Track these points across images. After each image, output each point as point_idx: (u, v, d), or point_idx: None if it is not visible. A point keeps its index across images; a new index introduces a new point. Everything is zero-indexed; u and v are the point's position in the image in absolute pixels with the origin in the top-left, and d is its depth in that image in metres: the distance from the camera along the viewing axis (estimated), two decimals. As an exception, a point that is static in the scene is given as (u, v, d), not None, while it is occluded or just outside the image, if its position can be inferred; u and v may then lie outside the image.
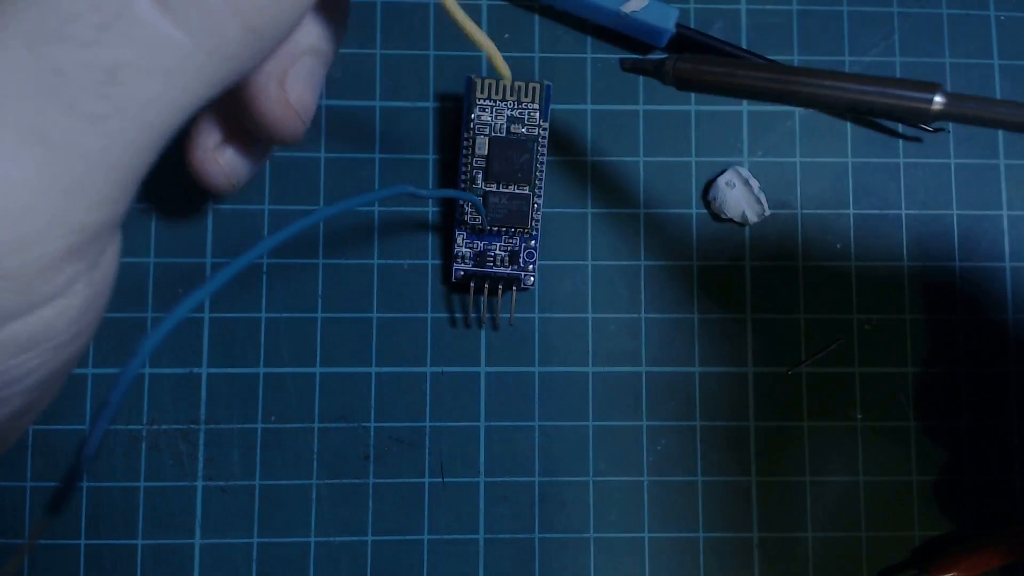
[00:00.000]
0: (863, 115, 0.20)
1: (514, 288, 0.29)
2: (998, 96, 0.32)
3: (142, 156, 0.12)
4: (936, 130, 0.30)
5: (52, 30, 0.11)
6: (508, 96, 0.29)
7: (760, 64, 0.22)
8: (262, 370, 0.30)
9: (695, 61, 0.22)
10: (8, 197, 0.11)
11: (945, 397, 0.30)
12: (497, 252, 0.29)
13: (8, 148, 0.11)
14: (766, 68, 0.21)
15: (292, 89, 0.19)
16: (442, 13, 0.31)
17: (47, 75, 0.11)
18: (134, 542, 0.29)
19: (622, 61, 0.26)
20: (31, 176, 0.11)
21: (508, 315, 0.30)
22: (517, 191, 0.29)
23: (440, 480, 0.30)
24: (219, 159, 0.21)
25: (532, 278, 0.30)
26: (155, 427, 0.29)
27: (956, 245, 0.31)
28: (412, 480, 0.30)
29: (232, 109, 0.15)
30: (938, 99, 0.19)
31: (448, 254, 0.30)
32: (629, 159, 0.31)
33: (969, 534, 0.30)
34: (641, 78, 0.31)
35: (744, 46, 0.31)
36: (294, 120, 0.19)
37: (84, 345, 0.14)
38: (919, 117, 0.19)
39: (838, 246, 0.31)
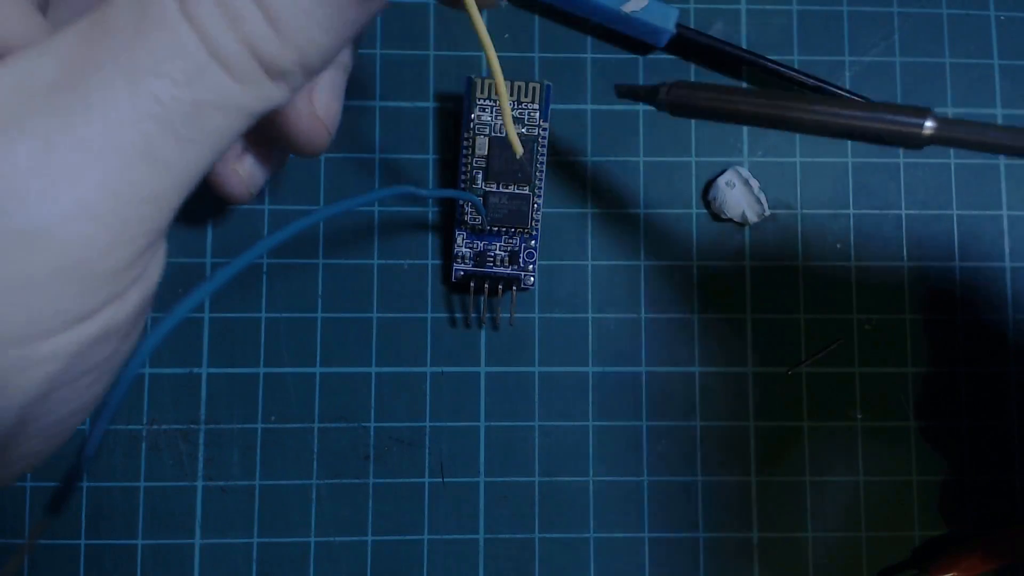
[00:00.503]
0: (856, 140, 0.20)
1: (514, 288, 0.29)
2: (998, 96, 0.32)
3: (202, 171, 0.14)
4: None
5: (148, 68, 0.12)
6: (508, 96, 0.29)
7: (754, 90, 0.22)
8: (262, 370, 0.30)
9: (689, 87, 0.23)
10: (115, 211, 0.13)
11: (945, 397, 0.30)
12: (497, 252, 0.29)
13: (115, 165, 0.12)
14: (760, 94, 0.21)
15: (320, 102, 0.19)
16: (442, 11, 0.31)
17: (147, 102, 0.12)
18: (134, 542, 0.29)
19: (617, 86, 0.26)
20: (133, 188, 0.13)
21: (508, 315, 0.30)
22: (517, 191, 0.29)
23: (440, 480, 0.30)
24: (239, 169, 0.21)
25: (532, 278, 0.30)
26: (155, 427, 0.29)
27: (956, 245, 0.31)
28: (412, 480, 0.30)
29: (258, 122, 0.16)
30: (929, 124, 0.19)
31: (448, 254, 0.30)
32: (629, 159, 0.31)
33: (969, 534, 0.30)
34: (641, 76, 0.31)
35: (744, 46, 0.31)
36: (322, 132, 0.19)
37: (135, 343, 0.15)
38: (911, 142, 0.20)
39: (838, 246, 0.31)
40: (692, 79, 0.31)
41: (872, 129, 0.20)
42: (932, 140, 0.19)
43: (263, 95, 0.14)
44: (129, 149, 0.12)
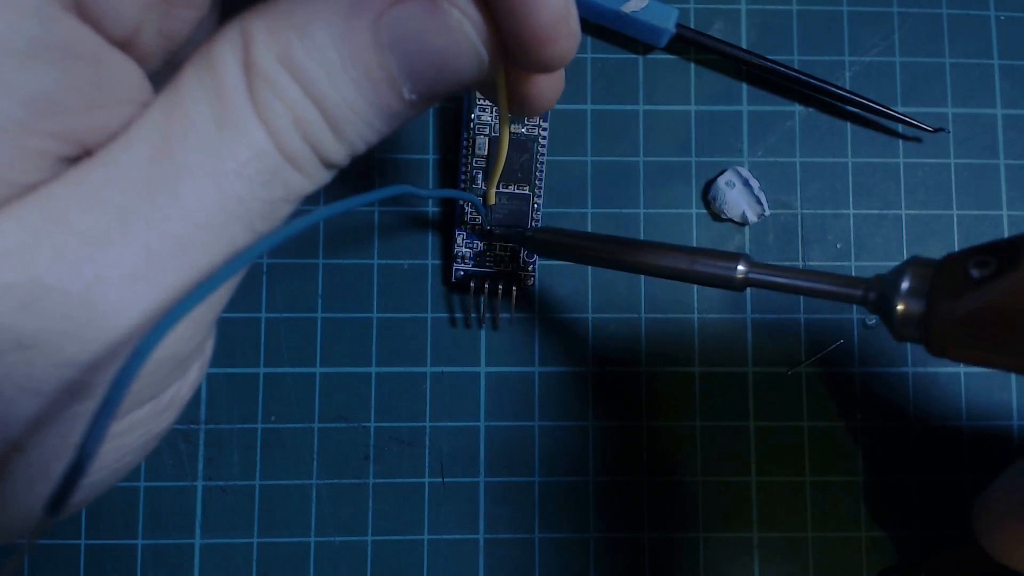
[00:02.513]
0: (683, 281, 0.23)
1: (514, 288, 0.29)
2: (998, 96, 0.32)
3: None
4: (936, 130, 0.30)
5: (233, 170, 0.13)
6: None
7: (599, 236, 0.25)
8: (262, 370, 0.30)
9: (548, 232, 0.26)
10: (201, 308, 0.14)
11: (945, 397, 0.30)
12: (497, 252, 0.29)
13: (204, 264, 0.13)
14: (604, 240, 0.24)
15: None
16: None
17: (232, 202, 0.13)
18: (134, 542, 0.29)
19: (489, 230, 0.29)
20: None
21: (508, 315, 0.30)
22: (517, 191, 0.29)
23: (440, 480, 0.30)
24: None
25: (532, 278, 0.29)
26: (155, 427, 0.29)
27: (956, 245, 0.31)
28: (412, 480, 0.30)
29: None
30: (741, 267, 0.21)
31: (448, 254, 0.30)
32: (629, 159, 0.31)
33: (969, 534, 0.30)
34: (641, 76, 0.31)
35: (744, 46, 0.31)
36: (572, 30, 0.15)
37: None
38: (730, 284, 0.22)
39: (838, 246, 0.31)
40: (692, 79, 0.31)
41: (692, 272, 0.22)
42: (747, 283, 0.21)
43: (319, 181, 0.15)
44: (216, 249, 0.13)
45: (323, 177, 0.15)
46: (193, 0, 0.14)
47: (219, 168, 0.13)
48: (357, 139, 0.14)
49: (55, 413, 0.13)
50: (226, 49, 0.13)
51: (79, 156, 0.13)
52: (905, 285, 0.19)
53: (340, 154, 0.14)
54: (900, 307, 0.19)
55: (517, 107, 0.19)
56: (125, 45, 0.13)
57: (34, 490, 0.14)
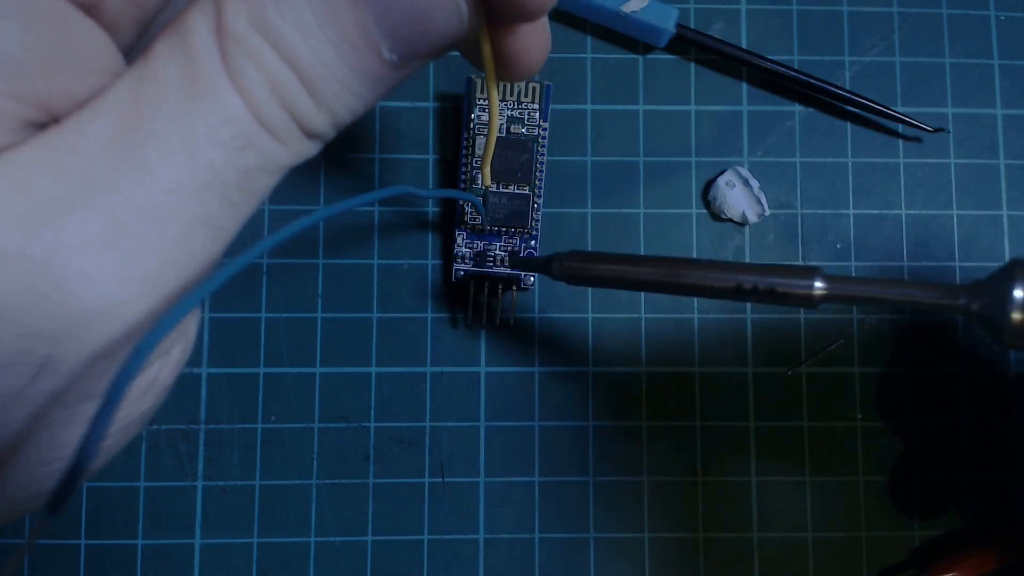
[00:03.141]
0: (749, 301, 0.21)
1: (514, 288, 0.29)
2: (998, 96, 0.32)
3: (241, 227, 0.15)
4: (936, 130, 0.30)
5: (204, 135, 0.12)
6: (508, 96, 0.29)
7: (646, 258, 0.22)
8: (262, 370, 0.30)
9: (582, 259, 0.23)
10: (174, 281, 0.13)
11: (946, 397, 0.30)
12: (497, 252, 0.29)
13: (176, 235, 0.13)
14: (651, 262, 0.22)
15: None
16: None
17: (204, 170, 0.13)
18: (134, 542, 0.29)
19: (511, 260, 0.27)
20: (191, 257, 0.13)
21: (508, 315, 0.30)
22: (517, 191, 0.29)
23: (440, 480, 0.30)
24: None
25: (532, 278, 0.29)
26: (155, 427, 0.29)
27: (956, 245, 0.31)
28: (412, 480, 0.30)
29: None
30: (819, 284, 0.19)
31: (448, 254, 0.30)
32: (629, 159, 0.31)
33: (969, 534, 0.30)
34: (641, 76, 0.31)
35: (744, 46, 0.31)
36: None
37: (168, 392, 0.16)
38: (804, 302, 0.20)
39: (838, 246, 0.31)
40: (692, 79, 0.31)
41: (763, 290, 0.20)
42: (825, 299, 0.19)
43: (301, 152, 0.14)
44: (188, 219, 0.13)
45: (305, 148, 0.14)
46: None
47: (190, 134, 0.12)
48: (339, 105, 0.14)
49: (24, 389, 0.12)
50: (198, 15, 0.13)
51: (47, 123, 0.13)
52: (1020, 294, 0.18)
53: (321, 122, 0.14)
54: (1016, 316, 0.18)
55: (504, 70, 0.19)
56: (91, 9, 0.13)
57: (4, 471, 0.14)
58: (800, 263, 0.19)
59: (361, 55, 0.13)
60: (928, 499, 0.30)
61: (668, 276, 0.21)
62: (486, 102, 0.29)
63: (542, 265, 0.24)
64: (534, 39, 0.18)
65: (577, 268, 0.23)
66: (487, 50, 0.18)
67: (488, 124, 0.21)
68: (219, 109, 0.13)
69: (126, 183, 0.12)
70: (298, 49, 0.13)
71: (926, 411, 0.30)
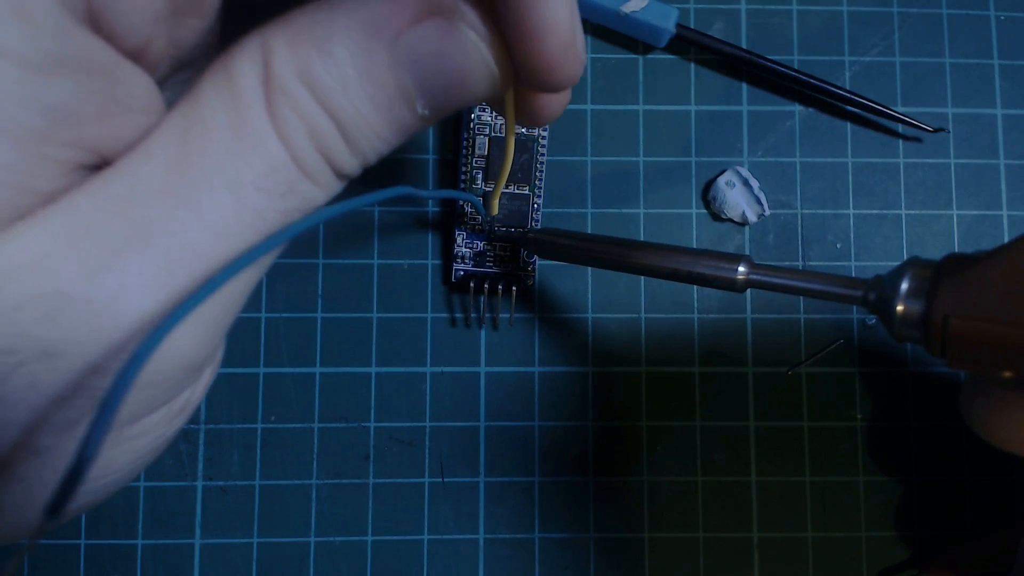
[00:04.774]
0: (684, 282, 0.23)
1: (514, 288, 0.29)
2: (998, 96, 0.32)
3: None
4: (936, 130, 0.30)
5: (251, 182, 0.13)
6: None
7: (602, 238, 0.25)
8: (262, 370, 0.30)
9: (549, 234, 0.26)
10: (221, 316, 0.14)
11: (945, 397, 0.30)
12: (497, 252, 0.29)
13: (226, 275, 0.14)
14: (606, 242, 0.24)
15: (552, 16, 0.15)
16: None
17: (251, 215, 0.13)
18: (134, 542, 0.29)
19: (488, 234, 0.29)
20: (234, 292, 0.14)
21: (508, 315, 0.30)
22: (517, 191, 0.29)
23: (440, 480, 0.30)
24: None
25: (532, 278, 0.29)
26: (155, 427, 0.29)
27: (956, 245, 0.31)
28: (412, 480, 0.30)
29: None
30: (742, 269, 0.21)
31: (448, 254, 0.30)
32: (629, 159, 0.31)
33: (969, 534, 0.30)
34: (641, 76, 0.31)
35: (744, 46, 0.31)
36: (579, 57, 0.16)
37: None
38: (731, 286, 0.22)
39: (838, 246, 0.31)
40: (692, 79, 0.31)
41: (694, 274, 0.22)
42: (748, 284, 0.22)
43: (332, 191, 0.15)
44: (245, 272, 0.14)
45: (335, 188, 0.15)
46: (201, 11, 0.14)
47: (237, 180, 0.13)
48: (369, 151, 0.15)
49: (77, 418, 0.13)
50: (245, 62, 0.13)
51: (96, 164, 0.13)
52: (905, 286, 0.19)
53: (352, 165, 0.15)
54: (900, 308, 0.19)
55: (523, 118, 0.20)
56: (136, 56, 0.13)
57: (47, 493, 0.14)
58: (737, 255, 0.22)
59: (396, 109, 0.14)
60: (928, 498, 0.30)
61: (617, 255, 0.24)
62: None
63: (516, 238, 0.28)
64: (557, 97, 0.19)
65: (544, 241, 0.26)
66: (511, 107, 0.19)
67: (501, 166, 0.23)
68: (264, 157, 0.13)
69: (179, 226, 0.13)
70: (338, 101, 0.13)
71: (926, 411, 0.30)
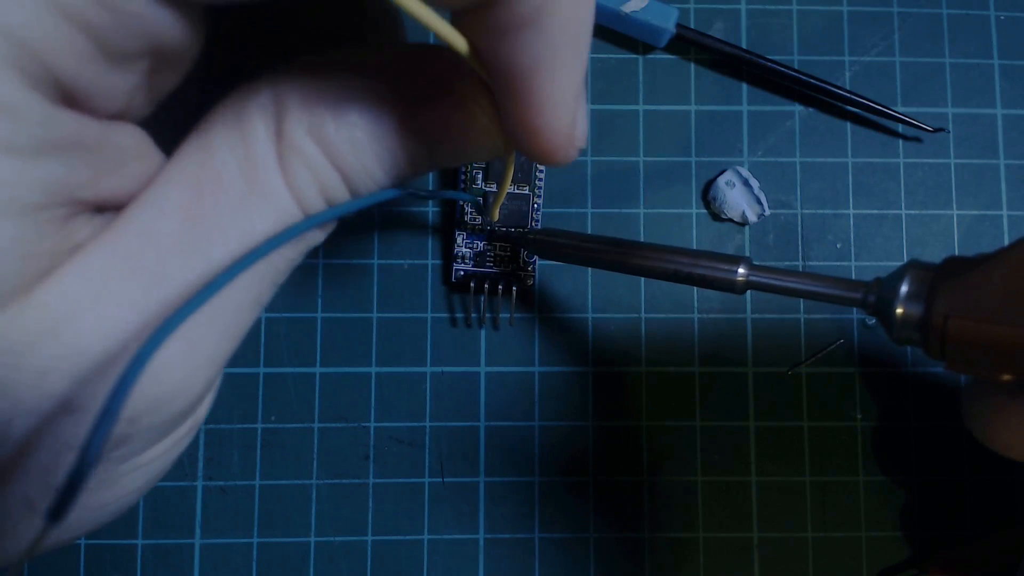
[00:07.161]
0: (684, 283, 0.23)
1: (514, 288, 0.29)
2: (998, 96, 0.32)
3: None
4: (936, 130, 0.30)
5: (263, 234, 0.14)
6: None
7: (603, 238, 0.25)
8: (262, 370, 0.30)
9: (550, 234, 0.26)
10: (225, 355, 0.15)
11: (945, 397, 0.30)
12: (497, 252, 0.29)
13: (233, 320, 0.15)
14: (607, 243, 0.24)
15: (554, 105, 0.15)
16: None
17: (261, 264, 0.14)
18: (134, 542, 0.29)
19: (488, 234, 0.29)
20: (239, 332, 0.15)
21: (508, 315, 0.30)
22: (517, 191, 0.29)
23: (440, 480, 0.30)
24: None
25: (532, 278, 0.29)
26: (155, 427, 0.29)
27: (956, 245, 0.31)
28: (412, 480, 0.30)
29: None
30: (742, 270, 0.21)
31: (448, 254, 0.30)
32: (629, 159, 0.31)
33: (969, 534, 0.30)
34: (641, 76, 0.31)
35: (744, 46, 0.31)
36: (577, 145, 0.16)
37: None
38: (730, 288, 0.22)
39: (838, 246, 0.31)
40: (692, 79, 0.31)
41: (696, 274, 0.22)
42: (747, 285, 0.22)
43: (330, 231, 0.16)
44: (245, 305, 0.14)
45: (333, 227, 0.16)
46: (179, 65, 0.14)
47: (249, 233, 0.13)
48: (365, 193, 0.15)
49: (98, 466, 0.13)
50: (258, 117, 0.14)
51: (104, 207, 0.13)
52: (904, 289, 0.19)
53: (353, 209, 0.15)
54: (899, 311, 0.19)
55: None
56: (119, 116, 0.13)
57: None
58: (744, 256, 0.22)
59: (401, 168, 0.15)
60: (928, 499, 0.30)
61: (617, 256, 0.24)
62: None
63: (517, 239, 0.28)
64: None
65: (544, 242, 0.26)
66: (510, 168, 0.21)
67: (502, 179, 0.24)
68: (275, 211, 0.14)
69: (194, 276, 0.13)
70: (348, 160, 0.14)
71: (926, 411, 0.30)
